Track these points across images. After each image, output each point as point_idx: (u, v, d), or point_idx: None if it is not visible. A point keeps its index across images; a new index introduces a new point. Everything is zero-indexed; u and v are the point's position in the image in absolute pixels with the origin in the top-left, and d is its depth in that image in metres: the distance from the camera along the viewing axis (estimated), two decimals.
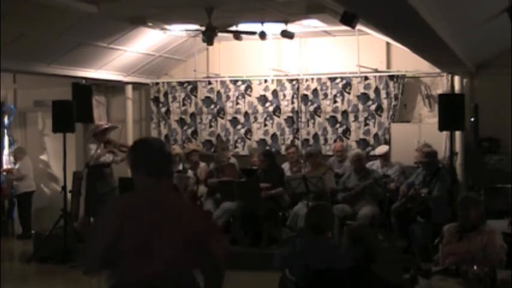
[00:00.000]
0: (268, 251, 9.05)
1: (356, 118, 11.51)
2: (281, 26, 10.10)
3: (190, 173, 10.73)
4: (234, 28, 10.03)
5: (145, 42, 11.05)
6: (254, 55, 12.05)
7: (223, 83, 12.25)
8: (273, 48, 11.99)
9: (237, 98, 12.15)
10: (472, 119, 10.73)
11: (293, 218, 9.60)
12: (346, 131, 11.58)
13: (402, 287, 5.00)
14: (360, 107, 11.48)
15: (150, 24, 9.97)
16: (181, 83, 12.49)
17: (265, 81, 12.02)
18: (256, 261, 8.84)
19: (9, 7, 8.00)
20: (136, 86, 12.78)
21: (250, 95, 12.09)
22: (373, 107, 11.40)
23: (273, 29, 10.23)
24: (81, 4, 8.45)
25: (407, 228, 9.08)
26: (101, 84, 12.44)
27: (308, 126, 11.79)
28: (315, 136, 11.75)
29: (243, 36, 10.31)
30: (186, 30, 10.54)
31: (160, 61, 12.18)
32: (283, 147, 11.72)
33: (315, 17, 9.68)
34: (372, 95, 11.40)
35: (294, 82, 11.87)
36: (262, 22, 10.00)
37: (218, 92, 12.24)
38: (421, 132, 10.90)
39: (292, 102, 11.86)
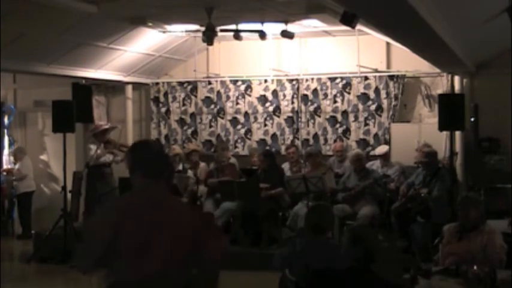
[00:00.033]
0: (268, 251, 9.04)
1: (356, 118, 11.51)
2: (281, 26, 10.09)
3: (190, 173, 10.74)
4: (233, 27, 10.03)
5: (145, 42, 11.05)
6: (254, 55, 12.05)
7: (223, 83, 12.25)
8: (273, 48, 11.99)
9: (237, 98, 12.15)
10: (472, 119, 10.73)
11: (293, 218, 9.61)
12: (346, 131, 11.58)
13: (402, 287, 5.00)
14: (360, 107, 11.48)
15: (150, 24, 9.97)
16: (181, 83, 12.50)
17: (265, 81, 12.02)
18: (256, 261, 8.84)
19: (9, 7, 8.00)
20: (136, 86, 12.78)
21: (250, 95, 12.09)
22: (373, 107, 11.40)
23: (273, 29, 10.22)
24: (81, 4, 8.45)
25: (407, 228, 9.08)
26: (101, 84, 12.44)
27: (308, 126, 11.79)
28: (315, 136, 11.75)
29: (243, 36, 10.31)
30: (186, 31, 10.54)
31: (160, 61, 12.18)
32: (283, 147, 11.72)
33: (315, 17, 9.67)
34: (372, 95, 11.40)
35: (294, 82, 11.87)
36: (262, 22, 10.00)
37: (218, 92, 12.24)
38: (421, 132, 10.90)
39: (292, 102, 11.86)
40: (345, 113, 11.57)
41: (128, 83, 12.49)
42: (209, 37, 9.46)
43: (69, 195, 10.45)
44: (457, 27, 7.71)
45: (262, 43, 11.00)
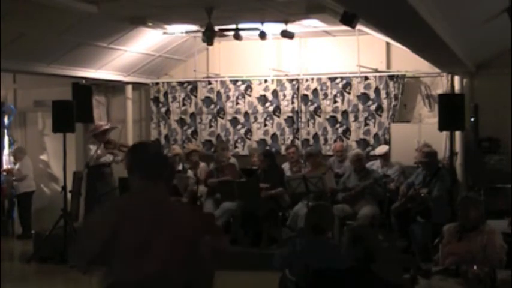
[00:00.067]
0: (268, 251, 9.04)
1: (356, 118, 11.51)
2: (281, 26, 10.10)
3: (190, 173, 10.74)
4: (233, 26, 10.03)
5: (145, 42, 11.05)
6: (254, 55, 12.05)
7: (223, 83, 12.25)
8: (273, 48, 11.99)
9: (237, 98, 12.15)
10: (472, 119, 10.73)
11: (293, 218, 9.60)
12: (346, 131, 11.58)
13: (402, 287, 5.00)
14: (360, 107, 11.48)
15: (150, 24, 9.97)
16: (181, 83, 12.50)
17: (265, 81, 12.02)
18: (256, 261, 8.84)
19: (9, 7, 8.00)
20: (136, 86, 12.78)
21: (250, 95, 12.09)
22: (373, 107, 11.40)
23: (273, 29, 10.22)
24: (81, 4, 8.45)
25: (407, 228, 9.08)
26: (101, 84, 12.44)
27: (308, 126, 11.79)
28: (315, 136, 11.75)
29: (243, 36, 10.31)
30: (186, 31, 10.54)
31: (160, 61, 12.18)
32: (283, 147, 11.72)
33: (315, 17, 9.68)
34: (372, 95, 11.40)
35: (294, 82, 11.87)
36: (262, 22, 10.00)
37: (218, 92, 12.24)
38: (421, 132, 10.90)
39: (292, 102, 11.86)
40: (345, 113, 11.57)
41: (128, 83, 12.49)
42: (209, 37, 9.46)
43: (69, 195, 10.45)
44: (457, 27, 7.71)
45: (262, 43, 10.99)
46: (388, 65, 11.57)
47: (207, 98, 12.32)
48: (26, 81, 12.48)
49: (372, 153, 11.15)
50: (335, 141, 11.52)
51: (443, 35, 7.31)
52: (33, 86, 12.48)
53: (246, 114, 12.10)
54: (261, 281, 8.12)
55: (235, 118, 12.17)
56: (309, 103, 11.77)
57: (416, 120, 11.39)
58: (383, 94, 11.31)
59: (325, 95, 11.69)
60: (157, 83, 12.63)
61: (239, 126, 12.15)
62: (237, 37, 10.24)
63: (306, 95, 11.80)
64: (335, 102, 11.63)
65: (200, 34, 9.76)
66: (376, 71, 11.50)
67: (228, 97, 12.19)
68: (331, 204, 8.28)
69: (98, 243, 3.56)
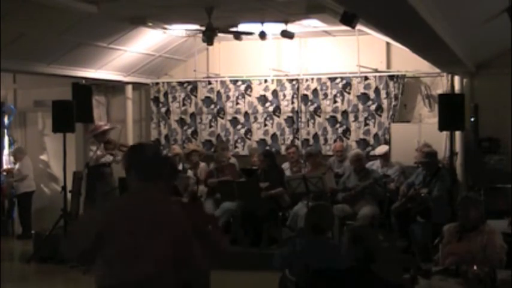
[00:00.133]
0: (268, 251, 9.05)
1: (356, 118, 11.51)
2: (281, 26, 10.09)
3: (190, 173, 10.74)
4: (234, 29, 10.02)
5: (145, 42, 11.05)
6: (254, 55, 12.05)
7: (223, 83, 12.24)
8: (273, 48, 11.99)
9: (237, 98, 12.15)
10: (472, 119, 10.73)
11: (293, 218, 9.60)
12: (346, 131, 11.57)
13: (402, 287, 4.99)
14: (360, 107, 11.47)
15: (150, 24, 9.97)
16: (181, 83, 12.49)
17: (265, 81, 12.02)
18: (256, 261, 8.84)
19: (9, 7, 8.00)
20: (136, 86, 12.78)
21: (250, 95, 12.09)
22: (373, 107, 11.40)
23: (273, 29, 10.22)
24: (81, 4, 8.45)
25: (407, 228, 9.08)
26: (101, 84, 12.44)
27: (308, 126, 11.79)
28: (315, 136, 11.75)
29: (243, 36, 10.31)
30: (186, 31, 10.53)
31: (160, 61, 12.18)
32: (283, 147, 11.72)
33: (315, 17, 9.68)
34: (372, 95, 11.40)
35: (294, 82, 11.87)
36: (262, 22, 10.00)
37: (218, 92, 12.24)
38: (421, 132, 10.90)
39: (292, 102, 11.86)
40: (345, 113, 11.57)
41: (128, 83, 12.48)
42: (209, 37, 9.45)
43: (69, 195, 10.45)
44: (457, 27, 7.71)
45: (262, 43, 10.99)
46: (388, 65, 11.57)
47: (207, 98, 12.32)
48: (26, 81, 12.48)
49: (372, 153, 11.15)
50: (335, 141, 11.51)
51: (443, 35, 7.31)
52: (33, 86, 12.48)
53: (246, 114, 12.10)
54: (261, 281, 8.12)
55: (235, 118, 12.16)
56: (309, 103, 11.77)
57: (416, 120, 11.39)
58: (383, 94, 11.31)
59: (325, 95, 11.69)
60: (157, 83, 12.63)
61: (239, 126, 12.15)
62: (237, 37, 10.24)
63: (306, 95, 11.79)
64: (335, 102, 11.63)
65: (200, 34, 9.76)
66: (376, 71, 11.50)
67: (228, 97, 12.19)
68: (331, 204, 8.29)
69: (86, 242, 3.59)
